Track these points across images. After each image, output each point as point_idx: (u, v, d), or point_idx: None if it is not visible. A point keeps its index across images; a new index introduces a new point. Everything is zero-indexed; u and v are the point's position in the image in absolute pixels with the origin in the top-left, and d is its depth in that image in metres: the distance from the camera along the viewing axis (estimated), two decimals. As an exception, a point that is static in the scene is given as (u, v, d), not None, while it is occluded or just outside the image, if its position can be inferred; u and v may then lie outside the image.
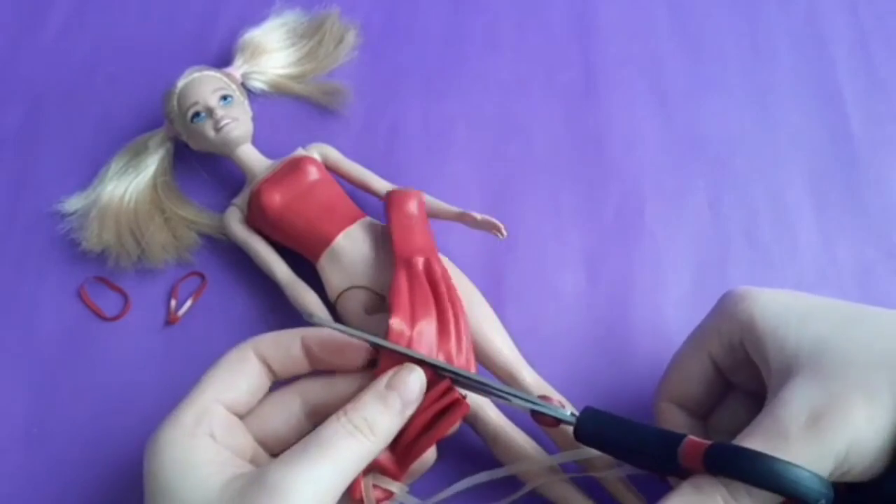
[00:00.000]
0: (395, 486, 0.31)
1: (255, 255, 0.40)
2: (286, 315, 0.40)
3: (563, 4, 0.51)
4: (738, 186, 0.44)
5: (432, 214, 0.40)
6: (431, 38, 0.49)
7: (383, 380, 0.29)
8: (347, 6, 0.50)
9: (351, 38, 0.48)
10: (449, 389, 0.30)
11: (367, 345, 0.30)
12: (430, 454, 0.31)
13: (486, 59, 0.49)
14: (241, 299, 0.41)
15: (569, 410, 0.31)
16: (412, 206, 0.39)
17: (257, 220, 0.40)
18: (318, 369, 0.31)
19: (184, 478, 0.26)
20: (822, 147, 0.45)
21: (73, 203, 0.43)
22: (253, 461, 0.29)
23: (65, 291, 0.42)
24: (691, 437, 0.28)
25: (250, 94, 0.46)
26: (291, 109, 0.47)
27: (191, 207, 0.43)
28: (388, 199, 0.39)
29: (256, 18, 0.48)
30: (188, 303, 0.41)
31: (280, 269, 0.40)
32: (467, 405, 0.30)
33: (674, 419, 0.33)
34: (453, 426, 0.30)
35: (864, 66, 0.48)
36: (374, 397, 0.28)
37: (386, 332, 0.32)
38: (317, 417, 0.30)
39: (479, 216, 0.39)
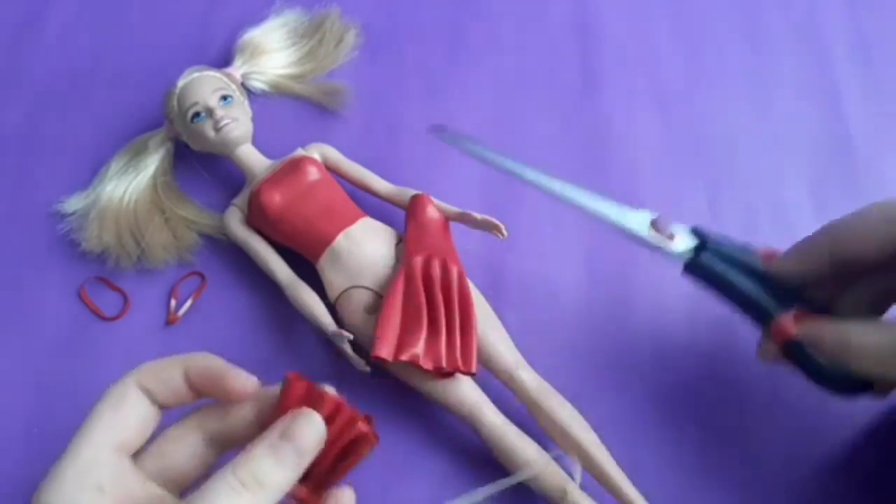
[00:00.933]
0: None
1: (255, 256, 0.40)
2: (286, 315, 0.40)
3: (563, 4, 0.51)
4: (738, 186, 0.44)
5: None
6: (431, 38, 0.49)
7: (277, 429, 0.26)
8: (347, 6, 0.50)
9: (351, 37, 0.48)
10: (351, 421, 0.27)
11: (253, 378, 0.28)
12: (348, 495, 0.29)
13: (486, 59, 0.49)
14: (241, 299, 0.41)
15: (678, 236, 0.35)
16: (431, 211, 0.40)
17: (257, 220, 0.40)
18: (204, 398, 0.28)
19: None
20: (822, 147, 0.45)
21: (73, 203, 0.43)
22: None
23: (65, 291, 0.42)
24: (792, 313, 0.31)
25: (250, 94, 0.46)
26: (291, 109, 0.47)
27: (191, 207, 0.43)
28: (411, 202, 0.40)
29: (256, 18, 0.48)
30: (188, 303, 0.41)
31: (280, 269, 0.40)
32: (374, 438, 0.27)
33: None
34: (360, 460, 0.27)
35: (864, 66, 0.48)
36: (265, 450, 0.25)
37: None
38: (218, 446, 0.28)
39: (479, 216, 0.39)
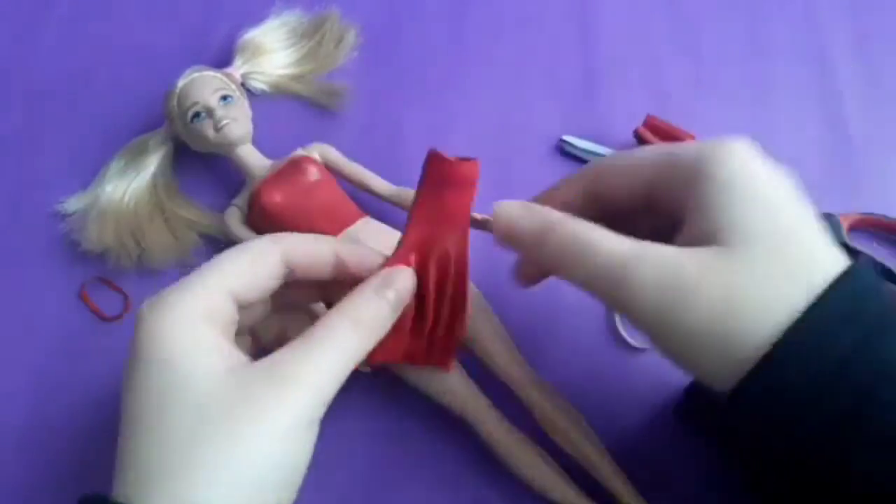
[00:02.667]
0: None
1: (255, 255, 0.40)
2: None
3: (563, 4, 0.51)
4: (738, 186, 0.44)
5: None
6: (431, 39, 0.49)
7: (378, 277, 0.29)
8: (348, 6, 0.50)
9: (351, 38, 0.48)
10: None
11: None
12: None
13: (486, 59, 0.49)
14: (241, 299, 0.41)
15: None
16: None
17: (257, 220, 0.40)
18: (338, 278, 0.31)
19: (192, 365, 0.25)
20: (822, 147, 0.45)
21: (73, 203, 0.43)
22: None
23: (65, 292, 0.42)
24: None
25: (250, 94, 0.45)
26: (291, 110, 0.47)
27: (191, 208, 0.43)
28: (433, 163, 0.34)
29: (256, 18, 0.48)
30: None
31: (280, 268, 0.40)
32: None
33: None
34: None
35: (864, 66, 0.48)
36: (371, 291, 0.29)
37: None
38: (289, 276, 0.30)
39: (479, 216, 0.39)
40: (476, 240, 0.41)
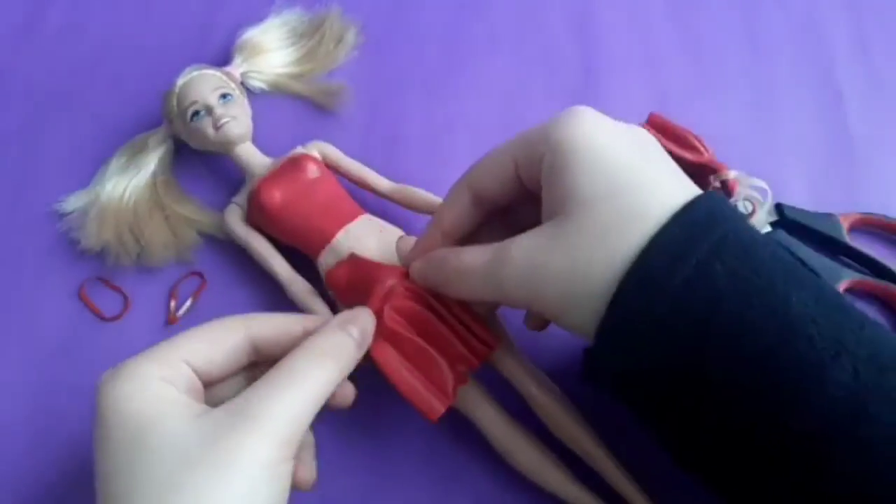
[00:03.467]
0: None
1: (255, 253, 0.40)
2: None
3: (563, 4, 0.51)
4: (738, 186, 0.44)
5: (432, 213, 0.40)
6: (431, 38, 0.49)
7: (340, 316, 0.31)
8: (348, 6, 0.50)
9: (351, 37, 0.48)
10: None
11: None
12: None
13: (486, 58, 0.49)
14: (241, 299, 0.41)
15: None
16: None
17: (257, 217, 0.40)
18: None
19: (159, 416, 0.25)
20: (822, 147, 0.45)
21: (73, 201, 0.43)
22: None
23: (64, 291, 0.42)
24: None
25: (249, 92, 0.46)
26: (291, 108, 0.47)
27: (190, 206, 0.43)
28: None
29: (256, 17, 0.48)
30: (188, 303, 0.41)
31: (280, 266, 0.40)
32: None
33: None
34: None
35: (864, 66, 0.48)
36: (335, 327, 0.30)
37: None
38: (255, 355, 0.30)
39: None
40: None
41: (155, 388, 0.26)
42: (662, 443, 0.30)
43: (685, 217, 0.26)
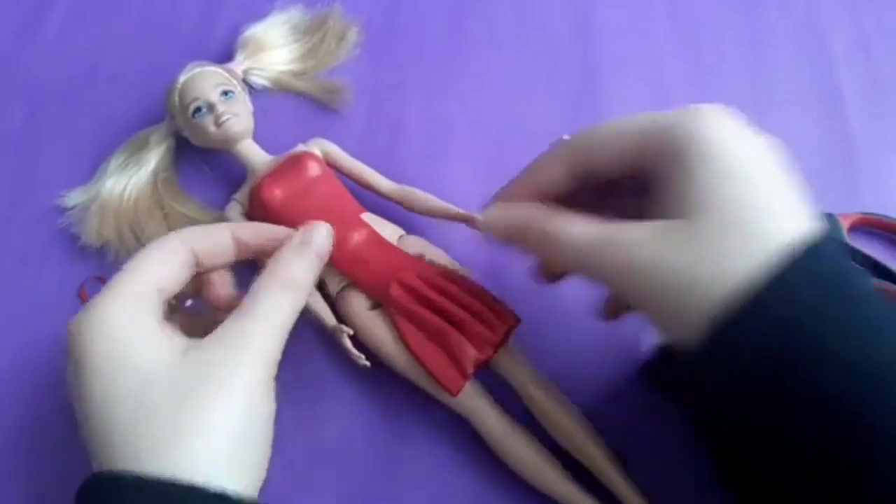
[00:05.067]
0: None
1: (255, 251, 0.40)
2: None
3: (563, 4, 0.51)
4: (739, 185, 0.44)
5: (432, 214, 0.40)
6: (433, 37, 0.50)
7: (297, 236, 0.32)
8: (349, 4, 0.50)
9: (352, 35, 0.48)
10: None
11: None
12: None
13: (486, 58, 0.49)
14: (240, 298, 0.41)
15: None
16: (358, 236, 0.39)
17: (258, 215, 0.40)
18: (244, 258, 0.33)
19: (145, 347, 0.27)
20: (822, 147, 0.45)
21: (74, 197, 0.43)
22: None
23: (64, 290, 0.41)
24: None
25: (251, 90, 0.46)
26: (292, 106, 0.47)
27: (191, 203, 0.43)
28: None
29: (258, 15, 0.48)
30: (187, 303, 0.41)
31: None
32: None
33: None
34: None
35: (864, 66, 0.48)
36: (294, 253, 0.31)
37: None
38: (197, 266, 0.32)
39: (462, 212, 0.39)
40: (476, 240, 0.41)
41: (132, 317, 0.28)
42: (711, 451, 0.30)
43: (813, 260, 0.26)
